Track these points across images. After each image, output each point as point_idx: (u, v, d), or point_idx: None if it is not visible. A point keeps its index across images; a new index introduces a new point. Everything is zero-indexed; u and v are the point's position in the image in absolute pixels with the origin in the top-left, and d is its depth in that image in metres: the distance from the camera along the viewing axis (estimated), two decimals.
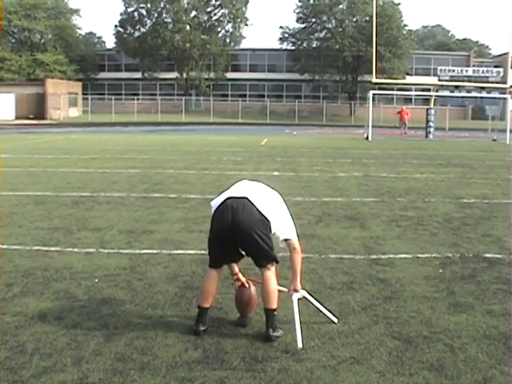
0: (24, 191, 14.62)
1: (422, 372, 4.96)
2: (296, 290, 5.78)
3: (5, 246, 9.17)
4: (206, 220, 11.10)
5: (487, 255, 8.91)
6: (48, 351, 5.33)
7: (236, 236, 5.50)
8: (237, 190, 5.70)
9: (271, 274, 5.62)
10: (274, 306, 5.59)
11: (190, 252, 8.86)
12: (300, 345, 5.36)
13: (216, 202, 5.70)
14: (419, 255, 8.82)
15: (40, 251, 8.91)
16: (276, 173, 18.87)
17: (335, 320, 6.03)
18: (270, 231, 5.57)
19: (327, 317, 6.05)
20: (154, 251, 8.88)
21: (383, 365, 5.08)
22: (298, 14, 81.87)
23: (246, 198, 5.53)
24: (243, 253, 5.78)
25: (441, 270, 8.06)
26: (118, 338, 5.62)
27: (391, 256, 8.76)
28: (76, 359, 5.12)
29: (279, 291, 6.09)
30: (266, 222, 5.52)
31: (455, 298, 6.88)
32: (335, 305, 6.54)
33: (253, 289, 6.04)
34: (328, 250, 9.07)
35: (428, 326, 5.97)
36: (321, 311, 6.09)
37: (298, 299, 5.82)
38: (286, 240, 5.67)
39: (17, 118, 67.51)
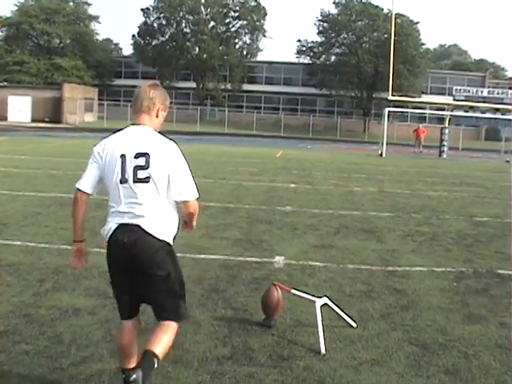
0: (46, 192, 14.99)
1: (438, 375, 5.26)
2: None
3: (33, 244, 9.50)
4: (228, 227, 11.60)
5: (500, 271, 9.17)
6: (84, 342, 5.66)
7: (137, 277, 4.43)
8: (126, 214, 4.38)
9: (172, 326, 4.52)
10: (160, 354, 4.39)
11: (212, 257, 9.16)
12: (323, 350, 5.65)
13: (107, 230, 4.47)
14: (434, 269, 9.10)
15: (68, 250, 9.17)
16: (292, 185, 19.17)
17: (354, 324, 6.34)
18: (175, 260, 4.60)
19: (346, 322, 6.35)
20: (179, 255, 9.09)
21: (402, 367, 5.39)
22: (318, 26, 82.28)
23: (139, 226, 4.32)
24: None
25: (455, 284, 8.36)
26: (150, 333, 5.91)
27: (407, 268, 9.05)
28: (112, 351, 5.40)
29: (299, 296, 6.41)
30: (167, 249, 4.48)
31: (469, 310, 7.17)
32: (355, 311, 6.82)
33: (280, 292, 6.31)
34: (346, 261, 9.35)
35: (443, 334, 6.27)
36: (341, 316, 6.39)
37: (321, 306, 6.11)
38: (184, 202, 4.45)
39: (33, 120, 68.01)
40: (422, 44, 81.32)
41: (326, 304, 6.25)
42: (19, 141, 36.28)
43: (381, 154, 41.05)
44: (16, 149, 29.24)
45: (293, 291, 6.41)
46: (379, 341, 6.01)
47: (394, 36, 44.63)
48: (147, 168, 4.29)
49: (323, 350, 5.63)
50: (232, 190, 17.39)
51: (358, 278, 8.37)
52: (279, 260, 9.15)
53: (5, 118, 66.64)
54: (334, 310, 6.37)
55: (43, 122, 67.05)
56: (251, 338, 5.92)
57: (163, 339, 4.42)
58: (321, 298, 6.28)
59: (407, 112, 68.39)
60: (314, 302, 6.13)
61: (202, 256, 9.21)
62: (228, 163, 26.64)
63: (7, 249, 9.14)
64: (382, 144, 41.58)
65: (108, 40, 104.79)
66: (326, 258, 9.42)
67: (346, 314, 6.44)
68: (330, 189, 18.88)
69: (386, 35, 72.65)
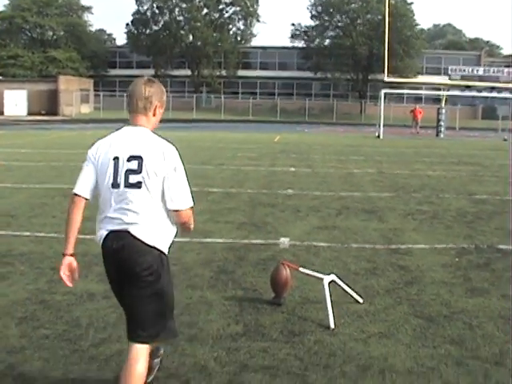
0: (50, 184, 15.11)
1: (444, 345, 5.48)
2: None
3: (42, 234, 9.69)
4: (231, 211, 11.79)
5: (501, 246, 9.38)
6: (102, 325, 5.86)
7: (127, 284, 4.16)
8: (116, 220, 4.06)
9: (144, 352, 4.14)
10: None
11: (219, 240, 9.36)
12: (332, 325, 5.86)
13: (99, 237, 4.18)
14: (436, 246, 9.32)
15: (77, 239, 9.37)
16: (292, 168, 19.37)
17: (361, 300, 6.56)
18: (167, 269, 4.33)
19: (353, 298, 6.56)
20: (185, 239, 9.29)
21: (409, 339, 5.61)
22: (311, 10, 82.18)
23: (128, 232, 4.02)
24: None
25: (457, 259, 8.57)
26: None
27: (410, 246, 9.26)
28: None
29: (307, 274, 6.61)
30: (158, 256, 4.14)
31: (471, 284, 7.39)
32: (361, 288, 7.03)
33: (288, 271, 6.51)
34: (350, 240, 9.57)
35: (447, 307, 6.49)
36: (347, 293, 6.59)
37: (328, 283, 6.31)
38: (175, 210, 4.09)
39: (29, 113, 67.98)
40: (417, 24, 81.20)
41: (332, 281, 6.45)
42: (17, 134, 36.35)
43: (378, 136, 41.18)
44: (15, 142, 29.32)
45: (301, 269, 6.61)
46: (386, 315, 6.23)
47: (389, 17, 44.65)
48: (139, 172, 3.97)
49: (332, 325, 5.83)
50: (232, 175, 17.57)
51: (362, 256, 8.59)
52: (284, 241, 9.35)
53: (1, 113, 66.61)
54: (340, 286, 6.57)
55: (40, 114, 67.00)
56: (262, 316, 6.13)
57: (137, 374, 4.03)
58: (328, 275, 6.48)
59: (403, 93, 68.46)
60: (321, 279, 6.32)
61: (208, 240, 9.40)
62: (226, 149, 26.79)
63: (17, 239, 9.32)
64: (379, 126, 41.69)
65: (101, 30, 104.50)
66: (330, 239, 9.63)
67: (353, 290, 6.64)
68: (330, 171, 19.06)
69: (379, 17, 72.52)
